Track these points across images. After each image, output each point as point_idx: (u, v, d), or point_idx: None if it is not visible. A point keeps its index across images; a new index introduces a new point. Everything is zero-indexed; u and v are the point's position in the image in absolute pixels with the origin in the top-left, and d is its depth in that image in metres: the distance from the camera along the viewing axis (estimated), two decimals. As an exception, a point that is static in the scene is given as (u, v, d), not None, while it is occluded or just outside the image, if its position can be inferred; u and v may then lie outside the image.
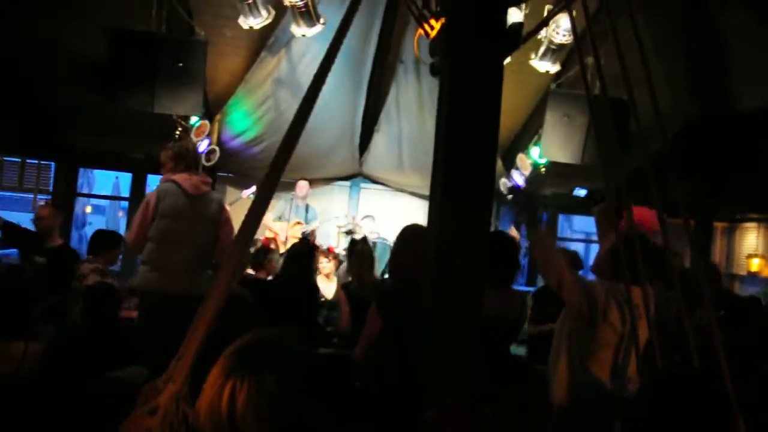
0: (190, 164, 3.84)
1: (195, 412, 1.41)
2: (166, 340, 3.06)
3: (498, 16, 1.97)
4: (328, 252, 5.93)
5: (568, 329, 2.77)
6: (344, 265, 6.17)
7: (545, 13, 4.86)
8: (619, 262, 2.52)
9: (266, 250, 5.19)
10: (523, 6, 4.81)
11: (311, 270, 4.37)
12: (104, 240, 4.45)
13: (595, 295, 2.64)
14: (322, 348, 4.03)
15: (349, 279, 4.95)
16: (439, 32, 2.11)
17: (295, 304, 4.04)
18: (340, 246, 8.67)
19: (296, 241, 8.09)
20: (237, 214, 7.42)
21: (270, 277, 5.15)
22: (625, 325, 2.61)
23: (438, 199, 2.20)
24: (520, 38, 2.01)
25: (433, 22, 2.25)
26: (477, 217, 2.20)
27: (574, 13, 2.74)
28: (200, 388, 1.60)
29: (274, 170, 2.01)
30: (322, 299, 4.94)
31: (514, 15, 4.53)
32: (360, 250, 4.49)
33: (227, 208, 7.21)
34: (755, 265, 9.48)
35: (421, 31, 2.37)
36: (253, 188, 7.44)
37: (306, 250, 4.40)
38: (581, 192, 8.07)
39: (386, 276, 7.49)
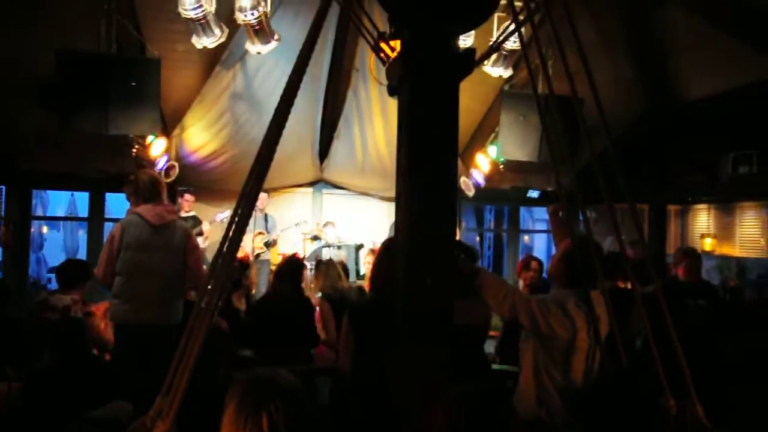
0: (149, 195, 3.81)
1: None
2: (145, 373, 3.08)
3: (451, 44, 2.06)
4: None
5: (531, 344, 2.83)
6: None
7: (495, 23, 5.00)
8: (574, 269, 2.65)
9: (244, 265, 5.22)
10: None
11: (300, 285, 4.44)
12: (76, 272, 4.33)
13: (570, 312, 2.69)
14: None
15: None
16: (394, 60, 2.18)
17: (291, 321, 4.10)
18: (307, 252, 8.73)
19: (262, 251, 8.13)
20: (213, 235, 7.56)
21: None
22: (590, 331, 2.70)
23: (403, 212, 2.28)
24: (473, 63, 2.10)
25: (385, 47, 2.32)
26: (441, 233, 2.28)
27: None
28: (184, 424, 1.64)
29: (249, 192, 1.99)
30: None
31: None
32: (324, 271, 4.81)
33: (206, 227, 7.34)
34: (708, 244, 9.91)
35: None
36: (228, 212, 7.45)
37: (295, 266, 4.49)
38: (534, 194, 8.33)
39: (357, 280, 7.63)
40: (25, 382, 2.53)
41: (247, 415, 1.46)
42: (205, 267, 4.31)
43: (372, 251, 7.66)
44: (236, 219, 1.93)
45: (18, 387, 2.42)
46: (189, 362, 1.70)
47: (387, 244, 2.90)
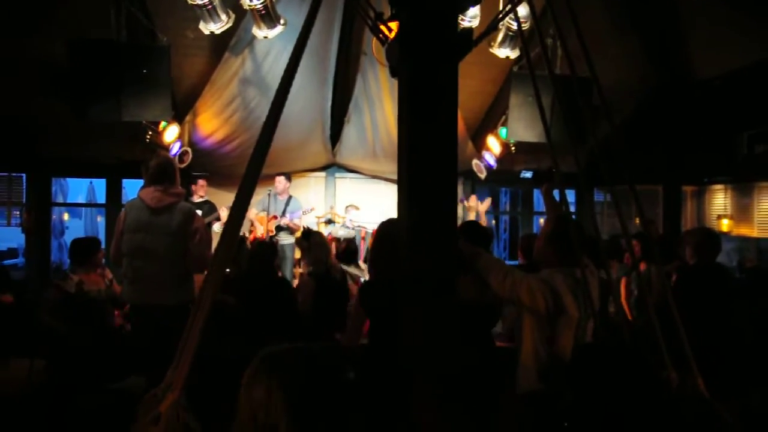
0: (155, 178, 3.85)
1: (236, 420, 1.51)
2: (155, 350, 3.17)
3: (450, 23, 2.08)
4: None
5: (528, 320, 2.87)
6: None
7: (500, 5, 4.97)
8: (558, 249, 2.71)
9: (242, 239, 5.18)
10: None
11: (271, 266, 4.42)
12: (81, 249, 4.52)
13: (557, 289, 2.72)
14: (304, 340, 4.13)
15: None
16: (393, 40, 2.21)
17: (259, 297, 4.08)
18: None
19: (274, 234, 8.23)
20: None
21: None
22: (580, 306, 2.75)
23: (405, 193, 2.32)
24: (471, 42, 2.12)
25: (384, 28, 2.34)
26: (442, 208, 2.32)
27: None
28: (196, 393, 1.72)
29: (250, 173, 2.05)
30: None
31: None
32: (317, 242, 4.79)
33: (224, 213, 7.37)
34: (725, 225, 9.81)
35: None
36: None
37: (265, 249, 4.47)
38: (527, 174, 8.29)
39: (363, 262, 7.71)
40: (50, 357, 2.60)
41: (250, 378, 1.52)
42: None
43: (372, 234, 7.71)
44: (236, 199, 1.99)
45: (41, 364, 2.50)
46: (193, 338, 1.78)
47: (386, 226, 2.94)
